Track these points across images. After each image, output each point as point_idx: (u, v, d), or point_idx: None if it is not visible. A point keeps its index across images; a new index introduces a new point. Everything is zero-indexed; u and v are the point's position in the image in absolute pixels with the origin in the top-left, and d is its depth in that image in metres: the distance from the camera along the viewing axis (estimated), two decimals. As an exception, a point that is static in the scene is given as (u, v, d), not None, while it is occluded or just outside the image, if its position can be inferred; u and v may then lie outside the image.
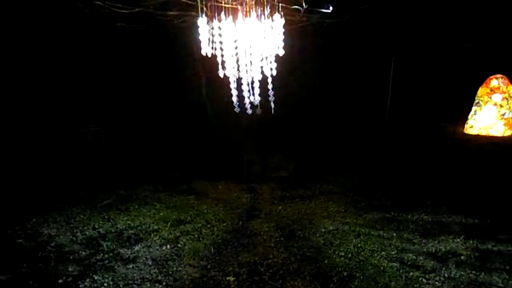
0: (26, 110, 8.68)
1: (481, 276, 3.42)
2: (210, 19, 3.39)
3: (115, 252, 3.92)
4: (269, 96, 3.65)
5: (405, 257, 3.76)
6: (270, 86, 3.60)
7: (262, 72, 3.55)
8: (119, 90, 10.33)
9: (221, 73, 3.56)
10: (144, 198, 5.42)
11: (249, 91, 3.53)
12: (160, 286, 3.35)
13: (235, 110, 3.68)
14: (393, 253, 3.84)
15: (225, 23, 3.34)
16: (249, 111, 3.64)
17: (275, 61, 3.63)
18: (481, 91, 9.38)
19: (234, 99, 3.63)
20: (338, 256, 3.79)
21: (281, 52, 3.53)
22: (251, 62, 3.49)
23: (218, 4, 3.31)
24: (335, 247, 3.98)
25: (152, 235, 4.29)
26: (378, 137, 9.19)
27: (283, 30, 3.45)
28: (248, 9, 3.27)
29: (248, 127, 8.97)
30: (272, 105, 3.64)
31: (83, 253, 3.90)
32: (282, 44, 3.51)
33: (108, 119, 8.93)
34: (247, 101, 3.58)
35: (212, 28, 3.43)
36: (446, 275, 3.45)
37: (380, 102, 10.72)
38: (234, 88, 3.59)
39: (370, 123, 10.52)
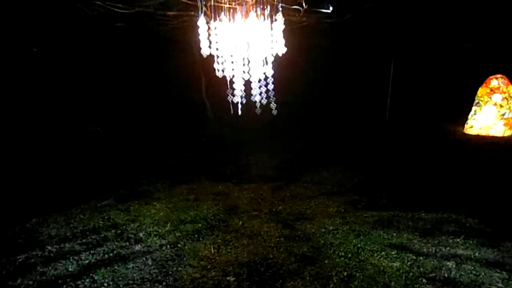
0: (26, 111, 8.67)
1: (481, 276, 3.42)
2: (209, 19, 3.39)
3: (115, 252, 3.92)
4: (269, 96, 3.65)
5: (405, 257, 3.75)
6: (270, 87, 3.60)
7: (264, 73, 3.55)
8: (119, 90, 10.33)
9: (220, 73, 3.55)
10: (144, 198, 5.42)
11: (247, 90, 3.53)
12: (160, 286, 3.35)
13: (234, 110, 3.68)
14: (393, 253, 3.84)
15: (224, 23, 3.34)
16: (248, 111, 3.64)
17: (275, 61, 3.62)
18: (481, 91, 9.38)
19: (233, 99, 3.63)
20: (338, 256, 3.79)
21: (283, 50, 3.53)
22: (250, 62, 3.48)
23: (218, 4, 3.31)
24: (335, 247, 3.98)
25: (152, 235, 4.29)
26: (378, 137, 9.19)
27: (283, 27, 3.44)
28: (248, 9, 3.27)
29: (248, 126, 8.97)
30: (274, 105, 3.64)
31: (83, 253, 3.90)
32: (284, 42, 3.51)
33: (108, 119, 8.93)
34: (245, 101, 3.58)
35: (212, 28, 3.42)
36: (446, 275, 3.45)
37: (380, 102, 10.72)
38: (233, 88, 3.58)
39: (370, 123, 10.52)
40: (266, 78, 3.63)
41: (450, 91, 11.29)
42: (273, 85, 3.63)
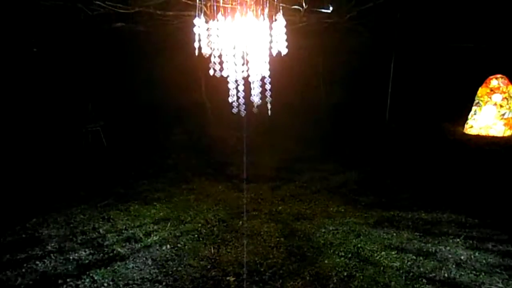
0: (26, 110, 8.68)
1: (481, 276, 3.42)
2: (208, 18, 3.38)
3: (115, 252, 3.92)
4: (267, 96, 3.64)
5: (405, 257, 3.75)
6: (268, 87, 3.59)
7: (261, 73, 3.54)
8: (119, 90, 10.33)
9: (217, 74, 3.54)
10: (144, 198, 5.42)
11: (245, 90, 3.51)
12: (160, 286, 3.35)
13: (233, 110, 3.68)
14: (393, 253, 3.84)
15: (224, 23, 3.33)
16: (247, 111, 3.63)
17: (275, 61, 3.61)
18: (481, 91, 9.37)
19: (232, 99, 3.62)
20: (338, 256, 3.79)
21: (285, 50, 3.52)
22: (249, 62, 3.48)
23: (217, 4, 3.31)
24: (335, 247, 3.98)
25: (152, 235, 4.29)
26: (378, 137, 9.19)
27: (284, 29, 3.44)
28: (247, 9, 3.26)
29: (247, 127, 8.96)
30: (269, 105, 3.63)
31: (83, 253, 3.90)
32: (285, 42, 3.50)
33: (108, 119, 8.92)
34: (244, 100, 3.56)
35: (211, 28, 3.42)
36: (446, 275, 3.45)
37: (380, 102, 10.71)
38: (232, 88, 3.58)
39: (370, 122, 10.52)
40: (264, 78, 3.62)
41: (450, 91, 11.29)
42: (270, 85, 3.63)
